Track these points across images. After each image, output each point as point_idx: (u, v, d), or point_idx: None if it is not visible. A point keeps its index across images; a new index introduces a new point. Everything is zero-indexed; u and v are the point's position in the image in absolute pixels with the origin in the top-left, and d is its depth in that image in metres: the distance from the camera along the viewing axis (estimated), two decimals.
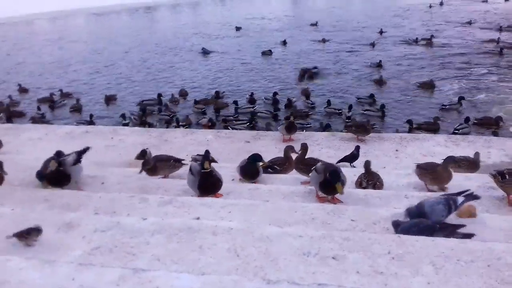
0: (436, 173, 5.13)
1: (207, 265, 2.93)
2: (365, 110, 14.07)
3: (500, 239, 3.41)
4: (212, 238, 3.26)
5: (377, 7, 44.44)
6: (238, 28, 34.57)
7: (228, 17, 41.90)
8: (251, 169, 5.53)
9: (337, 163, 6.00)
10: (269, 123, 13.15)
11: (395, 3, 45.32)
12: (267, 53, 24.97)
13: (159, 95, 16.33)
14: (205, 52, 25.75)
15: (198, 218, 3.93)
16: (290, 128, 8.76)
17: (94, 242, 3.27)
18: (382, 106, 14.01)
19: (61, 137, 9.15)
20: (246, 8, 49.91)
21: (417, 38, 25.20)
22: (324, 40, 26.63)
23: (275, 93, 15.91)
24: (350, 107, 13.72)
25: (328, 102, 14.69)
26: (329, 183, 4.25)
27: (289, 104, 14.98)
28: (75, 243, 3.26)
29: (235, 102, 15.31)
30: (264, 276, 2.75)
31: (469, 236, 3.32)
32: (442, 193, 4.06)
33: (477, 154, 6.45)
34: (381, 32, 27.48)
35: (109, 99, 16.90)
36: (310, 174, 5.02)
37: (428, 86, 16.68)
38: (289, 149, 6.46)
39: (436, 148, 7.79)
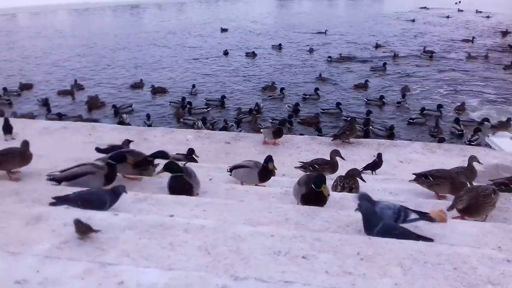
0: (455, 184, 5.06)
1: (177, 261, 2.90)
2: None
3: (468, 244, 3.47)
4: (184, 236, 3.23)
5: (360, 13, 45.35)
6: (223, 30, 34.75)
7: (214, 17, 42.03)
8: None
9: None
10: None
11: (376, 10, 46.41)
12: (250, 55, 25.30)
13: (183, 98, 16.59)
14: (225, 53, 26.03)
15: (171, 216, 3.91)
16: (277, 133, 8.72)
17: (63, 236, 3.21)
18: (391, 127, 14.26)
19: (38, 132, 9.00)
20: (231, 9, 50.08)
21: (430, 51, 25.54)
22: (311, 50, 26.55)
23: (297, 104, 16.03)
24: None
25: (457, 121, 14.01)
26: (310, 196, 4.21)
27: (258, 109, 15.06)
28: (43, 236, 3.20)
29: (189, 103, 15.67)
30: (233, 273, 2.74)
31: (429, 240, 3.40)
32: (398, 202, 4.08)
33: (471, 158, 6.10)
34: (376, 46, 27.65)
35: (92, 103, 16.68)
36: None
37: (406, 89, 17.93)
38: (335, 154, 6.80)
39: (413, 155, 7.92)
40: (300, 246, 3.13)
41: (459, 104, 16.01)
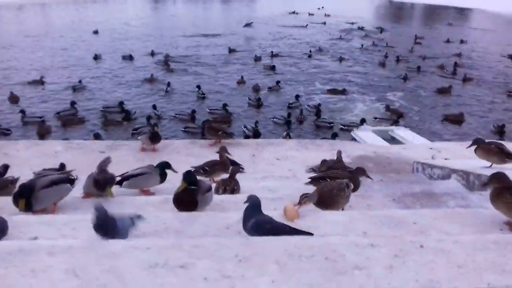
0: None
1: None
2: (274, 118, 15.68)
3: (338, 232, 3.71)
4: (48, 260, 2.92)
5: (235, 17, 46.63)
6: (95, 32, 33.32)
7: (83, 20, 39.78)
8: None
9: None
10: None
11: (250, 14, 48.23)
12: (127, 58, 24.61)
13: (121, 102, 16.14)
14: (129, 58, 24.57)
15: (35, 238, 3.54)
16: (154, 139, 8.48)
17: None
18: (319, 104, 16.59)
19: None
20: (101, 11, 47.78)
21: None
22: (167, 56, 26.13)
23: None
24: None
25: (318, 114, 15.18)
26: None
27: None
28: None
29: (22, 111, 15.15)
30: None
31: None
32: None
33: (339, 152, 6.56)
34: (230, 51, 28.58)
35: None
36: None
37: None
38: (223, 150, 6.69)
39: (289, 152, 8.30)
40: (178, 255, 3.03)
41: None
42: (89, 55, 25.28)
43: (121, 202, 4.69)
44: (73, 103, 15.52)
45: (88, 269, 2.85)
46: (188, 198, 4.29)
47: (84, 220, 3.92)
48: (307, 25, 41.63)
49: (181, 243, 3.17)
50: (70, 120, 14.61)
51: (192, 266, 2.90)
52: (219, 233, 3.71)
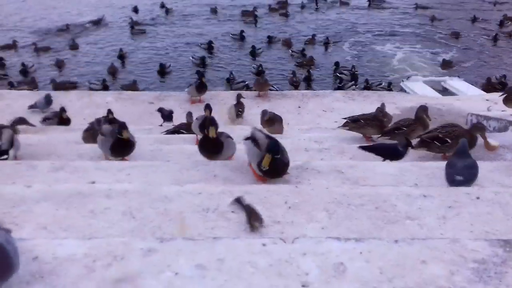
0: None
1: (99, 229, 2.76)
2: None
3: (389, 183, 3.64)
4: (106, 202, 3.07)
5: None
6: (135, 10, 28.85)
7: None
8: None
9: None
10: None
11: None
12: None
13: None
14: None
15: (93, 183, 3.70)
16: (201, 88, 8.52)
17: None
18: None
19: None
20: None
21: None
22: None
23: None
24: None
25: (337, 64, 14.76)
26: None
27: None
28: None
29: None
30: (160, 235, 2.66)
31: None
32: None
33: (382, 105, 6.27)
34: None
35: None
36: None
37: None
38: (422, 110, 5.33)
39: (335, 103, 8.14)
40: (229, 201, 3.09)
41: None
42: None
43: (173, 151, 4.80)
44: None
45: (143, 211, 2.97)
46: (214, 140, 4.15)
47: (136, 166, 4.07)
48: None
49: (231, 189, 3.23)
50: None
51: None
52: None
